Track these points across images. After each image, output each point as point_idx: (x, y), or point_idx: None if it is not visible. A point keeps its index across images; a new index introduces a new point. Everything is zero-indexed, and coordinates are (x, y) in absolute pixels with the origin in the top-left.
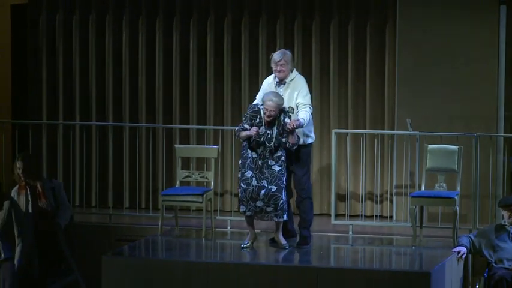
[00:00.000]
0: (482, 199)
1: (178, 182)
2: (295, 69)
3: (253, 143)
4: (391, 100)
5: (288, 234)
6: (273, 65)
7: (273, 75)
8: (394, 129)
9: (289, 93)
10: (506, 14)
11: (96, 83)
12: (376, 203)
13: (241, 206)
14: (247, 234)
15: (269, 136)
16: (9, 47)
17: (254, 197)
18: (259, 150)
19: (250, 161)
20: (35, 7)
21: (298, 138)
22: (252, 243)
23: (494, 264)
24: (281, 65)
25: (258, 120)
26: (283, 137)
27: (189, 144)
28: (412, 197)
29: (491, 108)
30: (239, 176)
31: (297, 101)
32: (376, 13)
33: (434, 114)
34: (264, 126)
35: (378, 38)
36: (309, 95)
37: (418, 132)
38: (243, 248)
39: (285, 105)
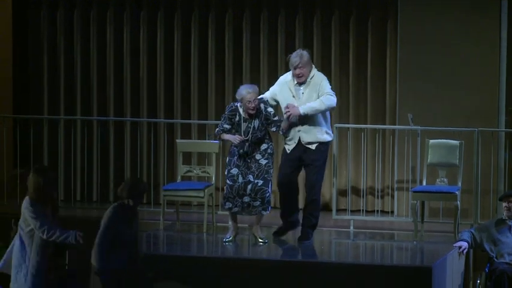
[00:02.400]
0: (484, 194)
1: (179, 177)
2: (313, 67)
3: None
4: (392, 95)
5: (291, 225)
6: (291, 68)
7: (290, 74)
8: (395, 124)
9: (310, 90)
10: (507, 9)
11: (97, 78)
12: (377, 197)
13: (227, 203)
14: (229, 229)
15: (249, 129)
16: (10, 42)
17: (241, 193)
18: (245, 147)
19: (236, 158)
20: (36, 3)
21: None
22: (235, 237)
23: (495, 259)
24: (300, 68)
25: (237, 118)
26: (271, 127)
27: (190, 139)
28: (414, 192)
29: (493, 103)
30: (226, 173)
31: (319, 94)
32: (377, 9)
33: (436, 109)
34: (244, 123)
35: (379, 34)
36: (330, 86)
37: (419, 127)
38: (226, 242)
39: (305, 103)
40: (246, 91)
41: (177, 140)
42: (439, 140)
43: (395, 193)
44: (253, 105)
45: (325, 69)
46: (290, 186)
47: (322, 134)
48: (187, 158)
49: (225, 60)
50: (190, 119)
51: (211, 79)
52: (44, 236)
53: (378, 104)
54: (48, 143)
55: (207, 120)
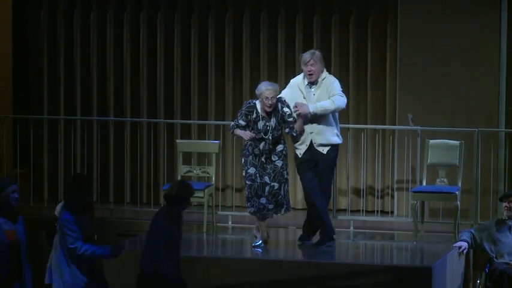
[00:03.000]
0: (484, 194)
1: (179, 177)
2: (325, 70)
3: (252, 142)
4: (392, 95)
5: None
6: (303, 66)
7: (301, 76)
8: (395, 125)
9: (321, 92)
10: (507, 9)
11: (97, 78)
12: (377, 198)
13: (248, 203)
14: (257, 233)
15: (267, 128)
16: (10, 42)
17: (259, 193)
18: (261, 146)
19: (252, 158)
20: (36, 2)
21: (302, 131)
22: (266, 241)
23: (495, 259)
24: (311, 64)
25: (254, 115)
26: (285, 127)
27: (190, 139)
28: (413, 192)
29: (493, 103)
30: (243, 174)
31: (329, 95)
32: (377, 9)
33: (436, 109)
34: (261, 121)
35: (379, 34)
36: (341, 88)
37: (419, 128)
38: (255, 247)
39: (315, 103)
40: (265, 87)
41: (177, 140)
42: (439, 140)
43: (395, 193)
44: (270, 102)
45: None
46: (318, 190)
47: (333, 136)
48: (187, 158)
49: (225, 61)
50: (190, 119)
51: (211, 79)
52: (78, 253)
53: (378, 104)
54: (48, 143)
55: (207, 120)
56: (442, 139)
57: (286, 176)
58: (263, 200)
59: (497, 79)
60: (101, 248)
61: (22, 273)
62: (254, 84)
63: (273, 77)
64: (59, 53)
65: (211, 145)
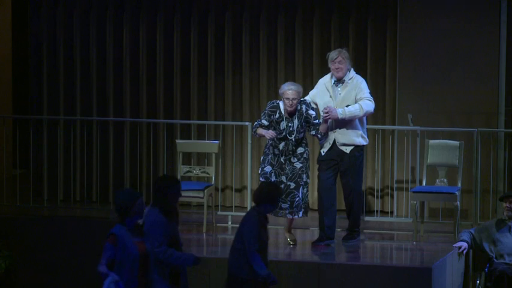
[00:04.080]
0: (483, 194)
1: (179, 177)
2: (352, 69)
3: (274, 141)
4: (392, 95)
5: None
6: (330, 64)
7: (329, 75)
8: (395, 125)
9: (347, 92)
10: (507, 9)
11: (97, 79)
12: (377, 198)
13: None
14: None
15: (291, 129)
16: (10, 42)
17: None
18: (281, 146)
19: (271, 157)
20: (36, 3)
21: (326, 133)
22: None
23: (495, 260)
24: (339, 62)
25: (277, 115)
26: (311, 130)
27: (189, 139)
28: (413, 192)
29: (492, 103)
30: (259, 171)
31: (357, 98)
32: (377, 9)
33: (435, 109)
34: (284, 121)
35: (379, 34)
36: (368, 90)
37: (419, 128)
38: (291, 244)
39: (341, 104)
40: (288, 86)
41: (177, 140)
42: (439, 141)
43: (395, 193)
44: (291, 102)
45: (324, 70)
46: (329, 190)
47: (357, 137)
48: (187, 158)
49: (224, 61)
50: (189, 120)
51: (210, 79)
52: (162, 257)
53: (378, 104)
54: (48, 144)
55: (206, 120)
56: (442, 139)
57: (305, 179)
58: None
59: (497, 79)
60: (185, 254)
61: (151, 286)
62: (254, 84)
63: (272, 77)
64: (59, 53)
65: (211, 145)
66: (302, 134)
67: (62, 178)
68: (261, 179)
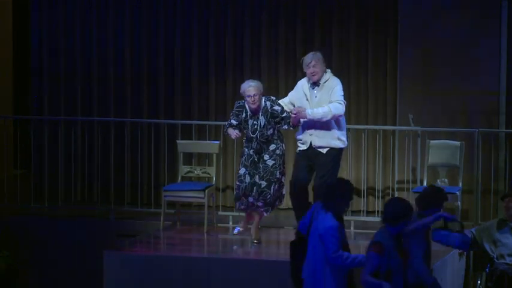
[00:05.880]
0: (484, 194)
1: (180, 178)
2: (329, 71)
3: (248, 141)
4: (392, 96)
5: None
6: (305, 69)
7: (306, 78)
8: (395, 125)
9: (322, 94)
10: (507, 9)
11: (98, 79)
12: (378, 198)
13: (236, 203)
14: (240, 221)
15: (255, 127)
16: (10, 42)
17: (247, 193)
18: (253, 145)
19: (245, 158)
20: (36, 3)
21: (299, 122)
22: (244, 229)
23: (495, 260)
24: (313, 66)
25: (244, 115)
26: (282, 125)
27: (190, 139)
28: (414, 192)
29: (493, 104)
30: (237, 173)
31: (330, 100)
32: (377, 9)
33: (436, 109)
34: (250, 120)
35: (379, 34)
36: (342, 93)
37: (420, 128)
38: (234, 234)
39: (316, 106)
40: (247, 84)
41: (178, 141)
42: (440, 141)
43: (396, 194)
44: (253, 98)
45: None
46: (301, 188)
47: (333, 139)
48: (188, 158)
49: (225, 61)
50: (190, 120)
51: (211, 79)
52: (341, 262)
53: (378, 104)
54: (49, 144)
55: (207, 121)
56: (443, 139)
57: (278, 176)
58: (251, 199)
59: (497, 79)
60: (360, 255)
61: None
62: None
63: (273, 77)
64: (59, 54)
65: (212, 145)
66: (270, 130)
67: (62, 178)
68: (237, 182)
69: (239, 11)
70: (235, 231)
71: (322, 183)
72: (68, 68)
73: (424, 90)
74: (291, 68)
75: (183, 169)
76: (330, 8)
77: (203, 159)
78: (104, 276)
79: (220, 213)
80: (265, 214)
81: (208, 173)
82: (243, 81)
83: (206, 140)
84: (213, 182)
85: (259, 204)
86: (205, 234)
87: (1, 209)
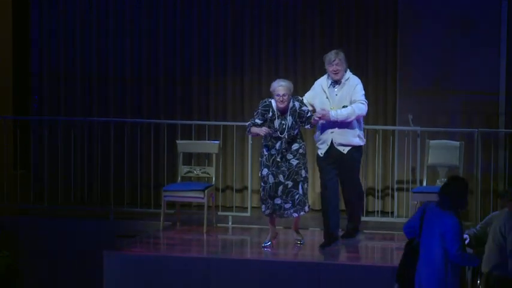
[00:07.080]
0: (484, 194)
1: (179, 178)
2: (349, 70)
3: (269, 141)
4: (392, 96)
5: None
6: (327, 66)
7: (325, 77)
8: (395, 125)
9: (344, 92)
10: (507, 9)
11: (98, 79)
12: (378, 198)
13: (262, 206)
14: (268, 233)
15: (283, 126)
16: (10, 42)
17: (272, 194)
18: (277, 145)
19: (265, 158)
20: (36, 2)
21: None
22: (272, 241)
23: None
24: (336, 64)
25: (270, 114)
26: (305, 124)
27: (190, 139)
28: (414, 192)
29: (493, 104)
30: (259, 175)
31: (352, 99)
32: (377, 9)
33: (436, 109)
34: (277, 119)
35: (379, 34)
36: (363, 92)
37: (420, 128)
38: (264, 247)
39: (337, 104)
40: (278, 83)
41: (177, 141)
42: (440, 141)
43: (396, 194)
44: (282, 98)
45: (324, 71)
46: (334, 191)
47: (355, 137)
48: (188, 158)
49: (225, 61)
50: (190, 120)
51: (211, 79)
52: (460, 260)
53: (378, 104)
54: (48, 144)
55: (207, 121)
56: (442, 139)
57: (304, 175)
58: (277, 200)
59: (497, 79)
60: (472, 256)
61: None
62: (255, 84)
63: (273, 77)
64: (59, 53)
65: (212, 145)
66: (296, 130)
67: (62, 179)
68: (261, 183)
69: (239, 11)
70: (266, 244)
71: (353, 188)
72: (68, 68)
73: (423, 90)
74: (291, 69)
75: (183, 169)
76: (330, 8)
77: (203, 159)
78: (104, 276)
79: (220, 213)
80: (295, 215)
81: (208, 173)
82: (243, 81)
83: (206, 140)
84: (213, 182)
85: (287, 206)
86: (204, 235)
87: (1, 209)
